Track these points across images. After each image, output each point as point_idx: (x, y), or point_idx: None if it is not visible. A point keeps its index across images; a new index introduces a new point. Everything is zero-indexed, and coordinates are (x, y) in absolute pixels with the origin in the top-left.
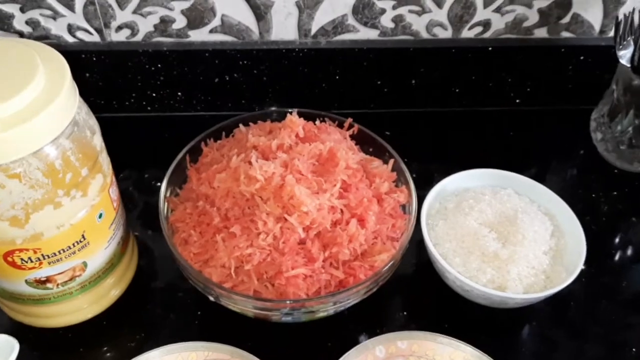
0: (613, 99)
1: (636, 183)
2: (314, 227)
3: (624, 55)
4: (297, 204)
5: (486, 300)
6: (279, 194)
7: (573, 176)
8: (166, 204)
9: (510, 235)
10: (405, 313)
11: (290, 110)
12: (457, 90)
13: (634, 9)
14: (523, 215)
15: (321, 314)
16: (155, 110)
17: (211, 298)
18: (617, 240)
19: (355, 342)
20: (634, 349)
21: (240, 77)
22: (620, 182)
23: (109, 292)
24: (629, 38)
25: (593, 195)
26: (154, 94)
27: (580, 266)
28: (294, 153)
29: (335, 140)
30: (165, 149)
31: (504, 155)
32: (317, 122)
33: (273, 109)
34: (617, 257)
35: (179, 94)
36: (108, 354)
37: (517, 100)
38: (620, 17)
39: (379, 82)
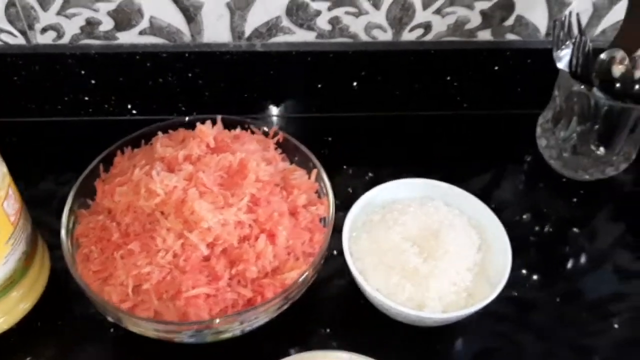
0: (556, 105)
1: (581, 192)
2: (219, 243)
3: (562, 59)
4: (198, 219)
5: (405, 319)
6: (180, 209)
7: (520, 184)
8: (73, 217)
9: (432, 250)
10: (328, 330)
11: (211, 117)
12: (399, 94)
13: (570, 12)
14: (448, 229)
15: (227, 335)
16: (88, 114)
17: (109, 318)
18: (562, 250)
19: None
20: None
21: (174, 81)
22: (567, 190)
23: (17, 305)
24: (567, 42)
25: (539, 205)
26: (86, 98)
27: (503, 283)
28: (201, 165)
29: (249, 151)
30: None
31: (449, 162)
32: (238, 130)
33: (198, 116)
34: (563, 268)
35: (113, 97)
36: None
37: (465, 105)
38: (558, 20)
39: (319, 86)
